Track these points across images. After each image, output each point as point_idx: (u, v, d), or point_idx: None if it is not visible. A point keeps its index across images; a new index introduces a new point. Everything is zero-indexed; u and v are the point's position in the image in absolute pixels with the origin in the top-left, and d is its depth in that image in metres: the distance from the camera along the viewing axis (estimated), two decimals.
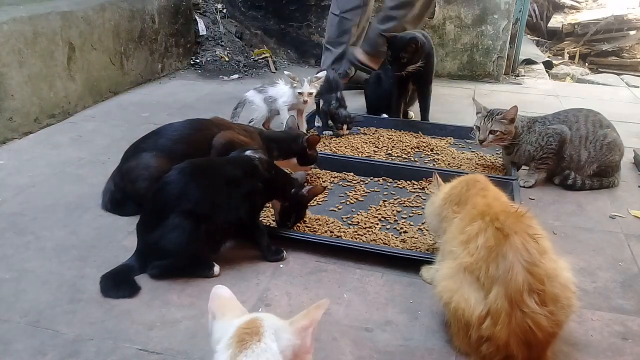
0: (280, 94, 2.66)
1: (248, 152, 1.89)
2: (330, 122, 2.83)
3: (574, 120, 2.33)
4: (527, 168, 2.42)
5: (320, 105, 2.84)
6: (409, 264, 1.71)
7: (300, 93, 2.59)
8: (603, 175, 2.36)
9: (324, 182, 2.32)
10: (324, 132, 2.82)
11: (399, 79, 2.88)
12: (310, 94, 2.62)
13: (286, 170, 2.02)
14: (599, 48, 5.04)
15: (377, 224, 1.99)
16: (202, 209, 1.62)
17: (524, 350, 1.25)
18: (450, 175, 1.71)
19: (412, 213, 2.09)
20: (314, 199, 1.99)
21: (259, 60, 4.35)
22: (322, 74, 2.71)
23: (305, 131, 2.73)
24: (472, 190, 1.49)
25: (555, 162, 2.34)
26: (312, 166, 2.34)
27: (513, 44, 4.24)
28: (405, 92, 3.02)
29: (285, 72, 2.71)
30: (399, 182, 2.34)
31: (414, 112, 3.19)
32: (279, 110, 2.66)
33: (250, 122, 2.64)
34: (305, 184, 2.02)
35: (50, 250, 1.77)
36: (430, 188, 1.72)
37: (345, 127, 2.76)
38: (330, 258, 1.78)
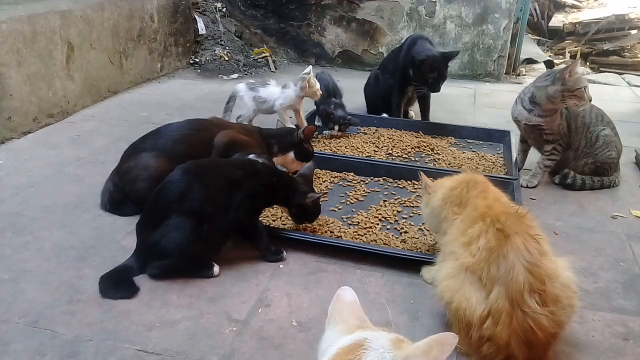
0: (273, 96, 2.64)
1: (252, 156, 1.89)
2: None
3: None
4: (530, 169, 2.42)
5: (320, 107, 2.85)
6: (410, 264, 1.70)
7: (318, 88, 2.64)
8: (602, 174, 2.36)
9: (324, 182, 2.31)
10: (324, 132, 2.82)
11: (400, 79, 2.87)
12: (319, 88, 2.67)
13: (283, 168, 2.01)
14: (601, 47, 5.01)
15: (378, 224, 1.98)
16: (205, 209, 1.62)
17: (525, 350, 1.25)
18: (449, 174, 1.70)
19: (413, 213, 2.08)
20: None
21: (259, 60, 4.34)
22: (309, 68, 2.68)
23: None
24: (473, 192, 1.48)
25: (560, 154, 2.34)
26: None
27: (514, 43, 4.23)
28: (406, 93, 3.01)
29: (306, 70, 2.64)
30: (399, 182, 2.33)
31: (414, 112, 3.18)
32: (277, 112, 2.65)
33: (237, 119, 2.64)
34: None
35: (49, 251, 1.76)
36: (420, 189, 1.70)
37: (337, 127, 2.77)
38: (330, 258, 1.77)
